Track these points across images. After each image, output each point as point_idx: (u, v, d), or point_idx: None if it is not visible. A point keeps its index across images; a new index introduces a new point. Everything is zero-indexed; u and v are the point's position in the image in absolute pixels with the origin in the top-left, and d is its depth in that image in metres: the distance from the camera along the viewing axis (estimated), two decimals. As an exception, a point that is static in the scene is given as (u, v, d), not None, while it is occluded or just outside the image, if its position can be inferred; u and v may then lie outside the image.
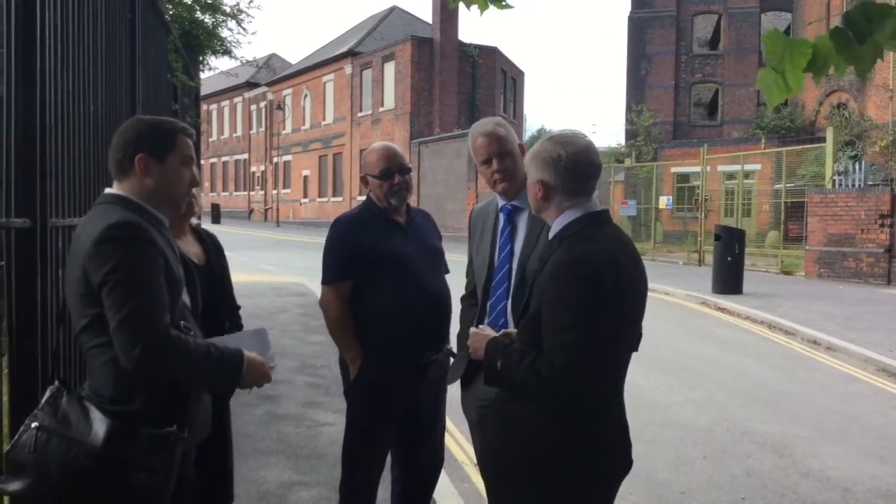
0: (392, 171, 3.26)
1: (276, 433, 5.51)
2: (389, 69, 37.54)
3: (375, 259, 3.20)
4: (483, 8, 3.40)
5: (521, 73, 43.59)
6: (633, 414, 6.45)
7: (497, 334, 2.35)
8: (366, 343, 3.21)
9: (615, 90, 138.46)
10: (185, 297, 2.27)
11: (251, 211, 51.99)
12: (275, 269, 17.45)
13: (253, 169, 52.62)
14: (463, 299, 3.32)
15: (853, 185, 16.94)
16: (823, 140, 19.03)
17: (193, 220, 3.21)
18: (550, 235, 2.29)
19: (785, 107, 29.92)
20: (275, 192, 47.36)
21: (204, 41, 9.47)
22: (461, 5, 3.21)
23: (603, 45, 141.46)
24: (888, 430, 6.16)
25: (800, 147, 21.60)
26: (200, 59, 10.69)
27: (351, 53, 40.60)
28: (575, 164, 2.22)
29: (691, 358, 8.90)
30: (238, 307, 3.39)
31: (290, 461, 4.94)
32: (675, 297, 14.35)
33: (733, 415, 6.51)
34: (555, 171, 2.22)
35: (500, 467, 2.26)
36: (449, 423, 5.41)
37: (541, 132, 59.50)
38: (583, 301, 2.04)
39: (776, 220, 22.33)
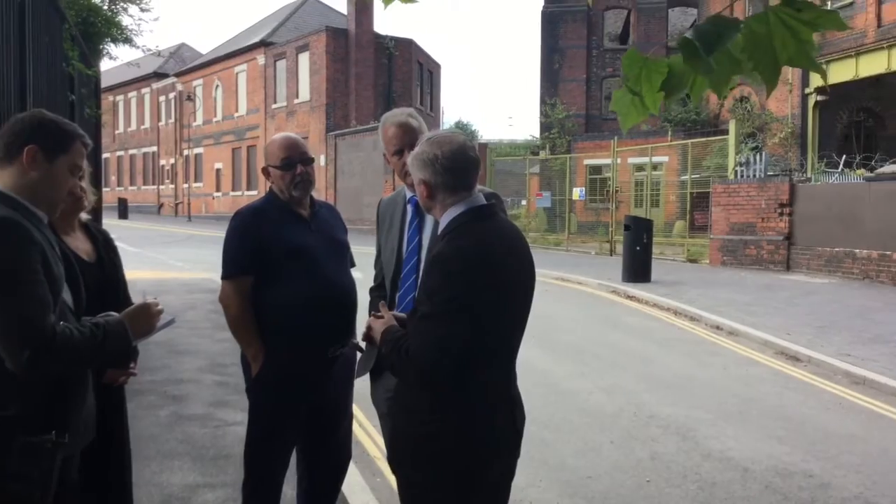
0: (294, 162, 3.20)
1: (182, 434, 5.36)
2: (304, 60, 36.99)
3: (278, 252, 3.13)
4: (387, 2, 3.37)
5: (437, 66, 43.63)
6: (543, 402, 6.57)
7: (394, 322, 2.41)
8: (269, 339, 3.14)
9: (530, 83, 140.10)
10: (67, 296, 2.17)
11: (161, 205, 50.45)
12: (185, 266, 16.98)
13: (162, 162, 51.07)
14: (372, 291, 3.29)
15: (754, 176, 17.63)
16: (727, 132, 19.72)
17: (83, 216, 3.07)
18: (439, 232, 2.37)
19: (690, 100, 30.81)
20: (186, 185, 46.08)
21: (103, 28, 9.09)
22: (365, -3, 3.16)
23: (518, 38, 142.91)
24: (785, 411, 6.44)
25: (704, 139, 22.33)
26: (101, 47, 10.27)
27: (264, 44, 39.80)
28: (452, 161, 2.31)
29: (601, 345, 9.10)
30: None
31: (195, 463, 4.81)
32: (587, 286, 14.65)
33: (640, 400, 6.69)
34: (433, 171, 2.32)
35: (398, 452, 2.35)
36: (362, 417, 5.41)
37: (458, 125, 59.76)
38: (444, 295, 2.15)
39: (683, 210, 23.05)
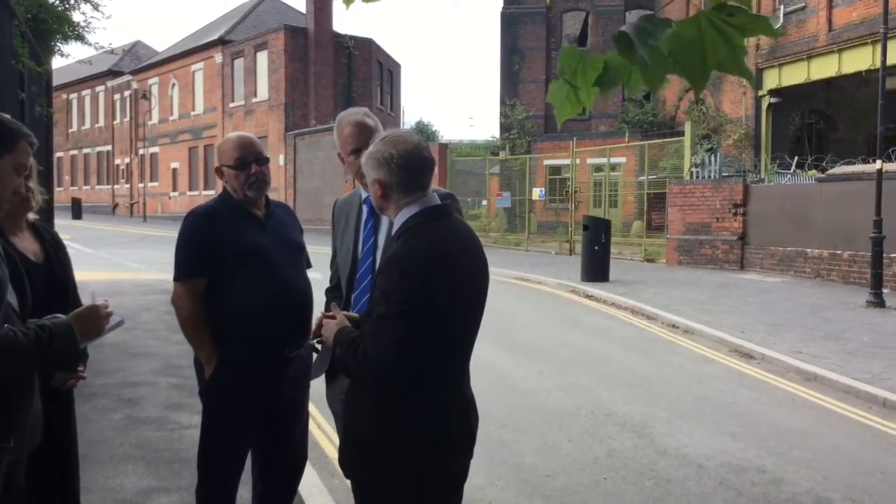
0: (248, 162, 3.16)
1: (136, 438, 5.26)
2: (262, 59, 36.63)
3: (232, 253, 3.09)
4: (348, 2, 3.35)
5: (397, 66, 43.54)
6: (503, 401, 6.60)
7: (347, 323, 2.40)
8: (222, 340, 3.10)
9: (490, 84, 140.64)
10: (12, 298, 2.11)
11: (115, 205, 49.56)
12: (140, 267, 16.72)
13: (117, 161, 50.16)
14: (328, 292, 3.27)
15: (709, 177, 17.91)
16: (683, 134, 20.01)
17: (31, 216, 3.00)
18: (393, 232, 2.36)
19: (647, 102, 31.25)
20: (141, 185, 45.33)
21: (54, 25, 8.88)
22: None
23: (478, 39, 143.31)
24: (738, 408, 6.55)
25: (661, 141, 22.63)
26: (52, 44, 10.04)
27: (221, 42, 39.32)
28: (407, 161, 2.30)
29: (560, 345, 9.17)
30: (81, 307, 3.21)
31: (149, 467, 4.73)
32: (547, 285, 14.75)
33: (598, 398, 6.75)
34: (388, 170, 2.30)
35: (352, 454, 2.33)
36: (319, 418, 5.37)
37: (419, 125, 59.71)
38: (401, 295, 2.14)
39: (640, 210, 23.32)
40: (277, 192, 33.30)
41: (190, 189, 42.23)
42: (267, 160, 3.26)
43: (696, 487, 4.76)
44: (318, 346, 3.08)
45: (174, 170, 43.75)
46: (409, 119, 64.16)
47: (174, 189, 43.71)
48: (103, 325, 2.31)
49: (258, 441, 3.25)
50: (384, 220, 3.02)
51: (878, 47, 18.61)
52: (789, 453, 5.37)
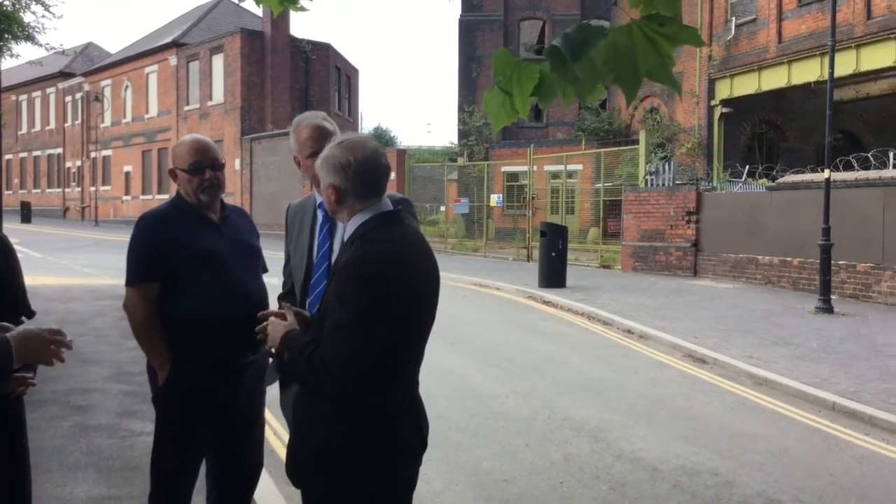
0: (202, 166, 3.12)
1: (87, 446, 5.15)
2: (218, 62, 36.24)
3: (186, 258, 3.04)
4: (277, 9, 3.35)
5: (355, 71, 43.44)
6: (460, 406, 6.60)
7: (295, 325, 2.37)
8: (176, 347, 3.05)
9: (449, 91, 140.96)
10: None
11: (66, 209, 48.52)
12: (91, 272, 16.38)
13: (68, 164, 49.13)
14: (280, 298, 3.22)
15: (663, 185, 18.18)
16: (638, 142, 20.30)
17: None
18: (345, 237, 2.34)
19: (603, 110, 31.64)
20: (93, 188, 44.44)
21: (3, 25, 8.67)
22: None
23: (436, 46, 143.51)
24: (692, 412, 6.65)
25: (616, 149, 22.91)
26: (1, 44, 9.82)
27: (176, 44, 38.82)
28: (364, 168, 2.28)
29: (518, 350, 9.21)
30: (33, 313, 3.13)
31: (101, 475, 4.63)
32: (505, 291, 14.81)
33: (554, 403, 6.80)
34: (345, 176, 2.28)
35: (301, 463, 2.28)
36: (275, 424, 5.31)
37: (377, 131, 59.58)
38: (359, 301, 2.11)
39: (596, 217, 23.58)
40: (233, 196, 32.94)
41: (143, 193, 41.55)
42: (222, 165, 3.23)
43: (650, 490, 4.81)
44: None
45: (127, 173, 43.00)
46: (367, 124, 63.98)
47: (127, 193, 42.96)
48: (48, 355, 2.25)
49: (213, 448, 3.20)
50: (339, 225, 3.00)
51: (826, 59, 19.16)
52: (741, 456, 5.46)
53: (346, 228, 2.34)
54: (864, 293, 12.85)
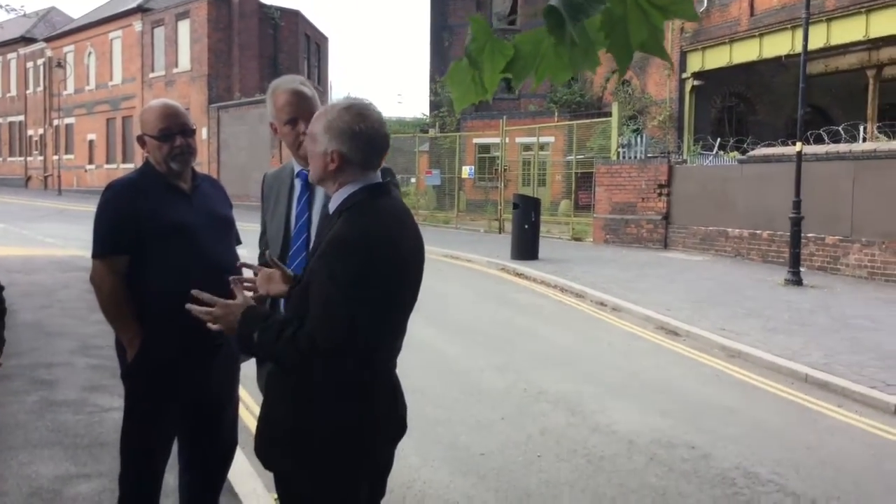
0: (172, 133, 2.97)
1: (53, 422, 5.01)
2: (184, 28, 35.45)
3: (156, 229, 2.91)
4: None
5: (325, 39, 42.81)
6: (436, 380, 6.53)
7: (252, 302, 2.26)
8: (146, 322, 2.92)
9: (420, 60, 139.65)
10: None
11: (29, 178, 47.46)
12: (56, 242, 16.02)
13: (30, 132, 47.95)
14: (256, 270, 3.11)
15: (635, 157, 18.19)
16: (610, 115, 20.25)
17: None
18: (332, 207, 2.20)
19: (575, 82, 31.51)
20: (56, 157, 43.48)
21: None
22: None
23: (408, 15, 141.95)
24: (666, 385, 6.66)
25: (589, 121, 22.86)
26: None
27: (141, 9, 37.88)
28: (373, 137, 2.16)
29: (492, 323, 9.17)
30: (1, 287, 2.99)
31: (67, 452, 4.50)
32: (477, 263, 14.76)
33: (529, 376, 6.76)
34: (355, 145, 2.14)
35: (274, 444, 2.18)
36: (250, 402, 5.19)
37: (345, 100, 58.81)
38: (351, 277, 2.00)
39: (568, 189, 23.57)
40: (201, 166, 32.35)
41: (107, 162, 40.75)
42: (193, 131, 3.08)
43: (627, 464, 4.80)
44: None
45: (91, 142, 42.10)
46: (336, 94, 63.13)
47: (91, 162, 42.10)
48: None
49: (185, 426, 3.09)
50: (318, 195, 2.89)
51: (798, 33, 19.23)
52: (717, 429, 5.47)
53: (332, 199, 2.21)
54: (833, 266, 13.00)
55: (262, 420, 2.24)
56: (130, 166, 38.46)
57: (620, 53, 2.08)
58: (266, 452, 2.20)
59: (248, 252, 3.27)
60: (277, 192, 3.01)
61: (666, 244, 16.96)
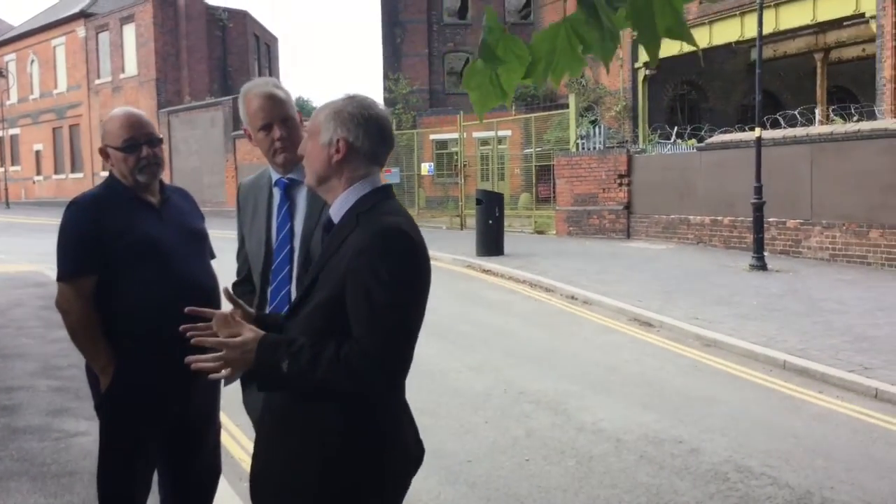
0: (138, 143, 2.78)
1: (17, 451, 4.74)
2: (129, 32, 34.66)
3: (124, 247, 2.71)
4: None
5: (274, 39, 42.27)
6: (414, 383, 6.32)
7: (262, 332, 1.94)
8: (119, 347, 2.72)
9: (372, 58, 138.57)
10: None
11: (-27, 192, 46.04)
12: (5, 258, 15.46)
13: (-28, 144, 46.53)
14: (235, 286, 2.92)
15: (594, 148, 18.21)
16: (564, 107, 20.25)
17: None
18: (339, 212, 2.00)
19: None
20: (1, 170, 42.20)
21: None
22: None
23: (358, 12, 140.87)
24: (646, 378, 6.60)
25: (547, 113, 22.86)
26: None
27: (84, 15, 36.93)
28: (381, 127, 2.01)
29: (464, 322, 9.04)
30: None
31: (35, 483, 4.25)
32: (442, 261, 14.60)
33: (508, 376, 6.65)
34: (364, 132, 1.97)
35: (289, 485, 1.92)
36: (231, 426, 4.97)
37: (299, 101, 58.20)
38: (400, 276, 1.83)
39: (527, 182, 23.54)
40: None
41: (56, 172, 39.69)
42: (160, 140, 2.89)
43: (617, 463, 4.71)
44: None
45: (38, 152, 40.96)
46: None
47: (38, 173, 40.98)
48: None
49: (165, 457, 2.90)
50: (300, 204, 2.71)
51: (746, 19, 19.46)
52: (702, 422, 5.42)
53: (335, 204, 2.01)
54: (795, 249, 13.13)
55: (263, 460, 2.00)
56: (80, 176, 37.56)
57: (648, 41, 1.99)
58: (278, 494, 1.95)
59: (221, 267, 3.09)
60: (255, 203, 2.83)
61: (629, 234, 17.00)
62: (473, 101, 2.18)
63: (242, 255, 2.91)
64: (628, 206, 17.06)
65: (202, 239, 3.02)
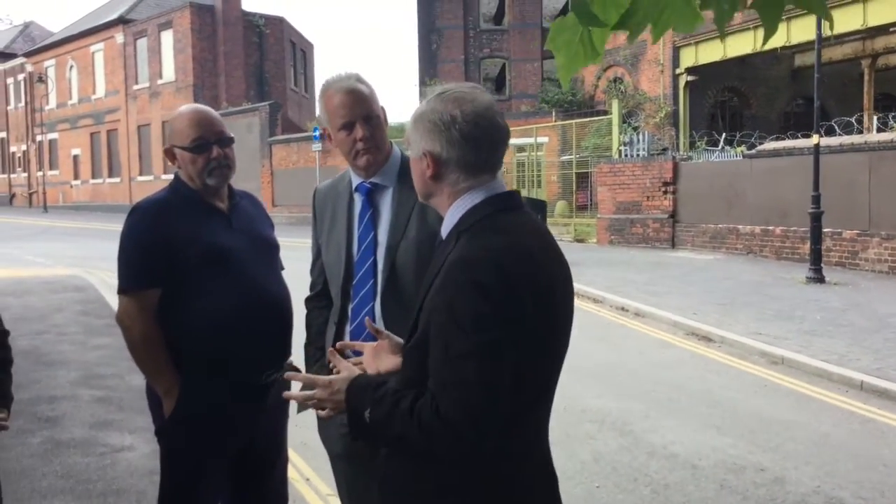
0: (208, 143, 2.53)
1: (61, 466, 4.54)
2: (167, 38, 34.88)
3: (192, 257, 2.46)
4: None
5: (310, 46, 42.33)
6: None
7: (357, 371, 1.72)
8: (184, 366, 2.47)
9: (408, 64, 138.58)
10: None
11: (13, 196, 46.69)
12: (45, 262, 15.46)
13: (13, 149, 47.20)
14: (308, 301, 2.67)
15: (638, 155, 17.82)
16: (603, 113, 19.88)
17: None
18: (445, 231, 1.68)
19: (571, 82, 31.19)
20: (40, 174, 42.73)
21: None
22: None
23: (395, 18, 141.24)
24: (714, 397, 6.24)
25: (587, 119, 22.48)
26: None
27: (122, 21, 37.24)
28: (475, 127, 1.61)
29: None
30: (6, 332, 2.57)
31: (80, 501, 4.04)
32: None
33: (567, 392, 6.30)
34: (448, 140, 1.61)
35: None
36: (296, 458, 4.65)
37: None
38: (483, 319, 1.47)
39: (564, 190, 23.17)
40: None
41: (93, 177, 40.08)
42: (231, 140, 2.64)
43: (696, 492, 4.38)
44: (302, 368, 2.49)
45: (75, 157, 41.41)
46: (322, 101, 62.70)
47: (76, 177, 41.42)
48: None
49: (232, 485, 2.64)
50: (384, 212, 2.45)
51: (792, 24, 18.94)
52: (781, 447, 5.06)
53: (445, 221, 1.68)
54: (851, 261, 12.65)
55: None
56: (116, 181, 37.88)
57: (767, 11, 1.79)
58: None
59: (291, 281, 2.82)
60: (333, 210, 2.56)
61: (674, 243, 16.58)
62: (560, 64, 1.94)
63: (318, 268, 2.65)
64: (673, 215, 16.65)
65: (274, 248, 2.77)
